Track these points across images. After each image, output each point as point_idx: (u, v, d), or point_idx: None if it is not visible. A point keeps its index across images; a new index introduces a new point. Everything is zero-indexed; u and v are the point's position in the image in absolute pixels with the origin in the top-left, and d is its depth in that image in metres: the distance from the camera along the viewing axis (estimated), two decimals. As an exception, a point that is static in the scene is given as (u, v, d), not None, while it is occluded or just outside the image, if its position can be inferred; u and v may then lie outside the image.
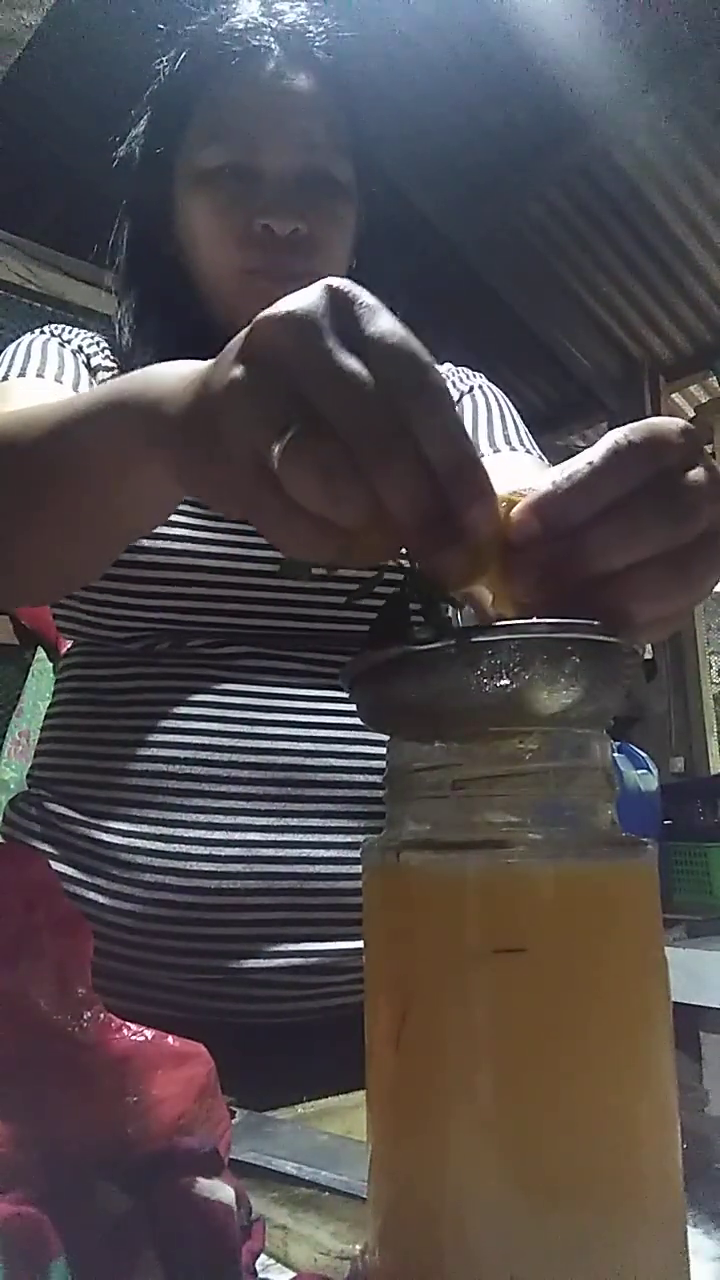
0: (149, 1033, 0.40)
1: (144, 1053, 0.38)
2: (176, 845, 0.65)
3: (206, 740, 0.67)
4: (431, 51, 2.52)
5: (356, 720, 0.69)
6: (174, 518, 0.71)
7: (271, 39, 0.71)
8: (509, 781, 0.31)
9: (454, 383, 0.89)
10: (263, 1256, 0.35)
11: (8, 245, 2.37)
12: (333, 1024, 0.65)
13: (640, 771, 2.11)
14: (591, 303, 3.60)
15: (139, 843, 0.66)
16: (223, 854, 0.65)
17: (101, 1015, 0.40)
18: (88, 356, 0.81)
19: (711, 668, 4.00)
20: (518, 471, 0.77)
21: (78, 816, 0.70)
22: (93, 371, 0.80)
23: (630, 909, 0.31)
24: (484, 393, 0.88)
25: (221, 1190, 0.33)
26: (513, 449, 0.80)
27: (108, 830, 0.68)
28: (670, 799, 2.19)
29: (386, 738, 0.74)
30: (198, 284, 0.76)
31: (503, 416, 0.85)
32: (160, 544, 0.70)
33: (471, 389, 0.88)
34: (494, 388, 0.90)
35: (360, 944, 0.65)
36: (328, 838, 0.67)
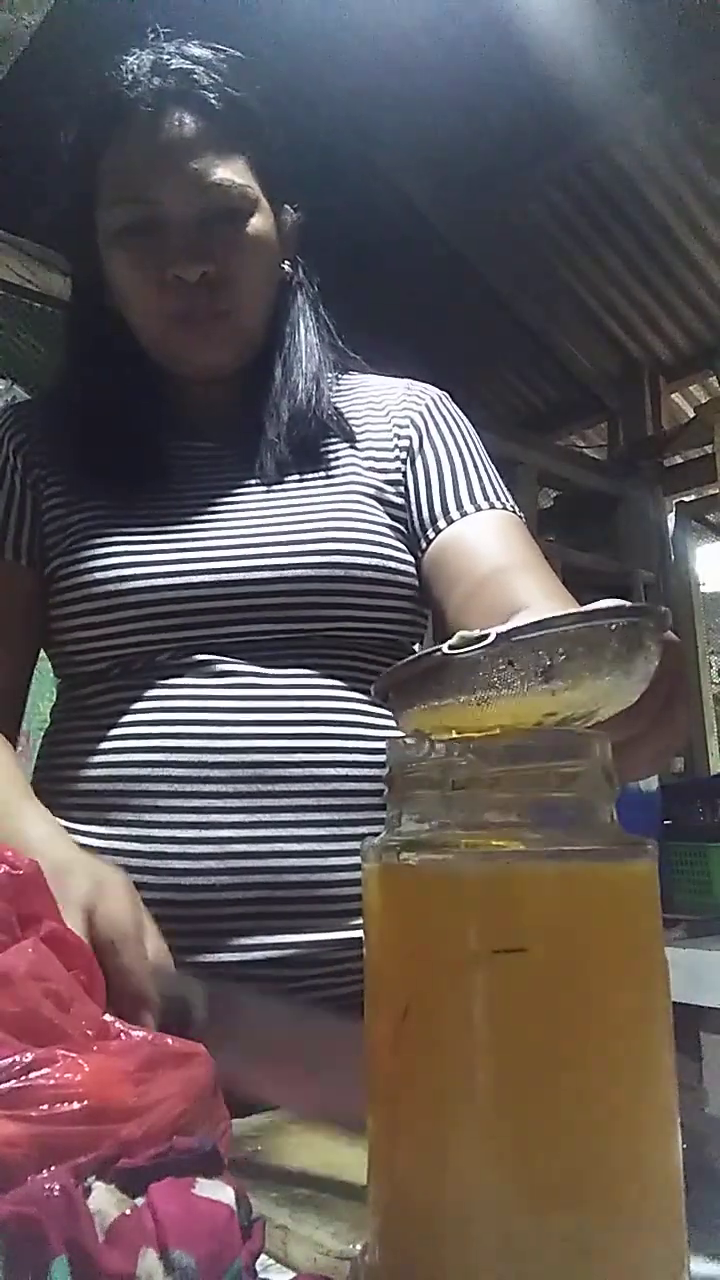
0: (149, 1033, 0.40)
1: (144, 1053, 0.38)
2: (153, 845, 0.68)
3: (177, 744, 0.70)
4: (432, 52, 2.52)
5: (324, 716, 0.71)
6: (122, 550, 0.75)
7: (152, 94, 0.74)
8: (509, 781, 0.31)
9: (408, 415, 0.85)
10: (263, 1256, 0.35)
11: (8, 245, 2.37)
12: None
13: (640, 771, 2.11)
14: (592, 303, 3.60)
15: (119, 844, 0.69)
16: (195, 851, 0.67)
17: (102, 1017, 0.40)
18: (21, 458, 0.83)
19: (711, 668, 4.00)
20: (489, 548, 0.77)
21: (66, 824, 0.72)
22: (26, 470, 0.83)
23: (630, 909, 0.31)
24: (440, 436, 0.84)
25: (221, 1190, 0.33)
26: (478, 507, 0.79)
27: (91, 835, 0.70)
28: (670, 799, 2.19)
29: (355, 733, 0.74)
30: (134, 331, 0.81)
31: (465, 468, 0.82)
32: (113, 573, 0.74)
33: (424, 435, 0.84)
34: (449, 414, 0.87)
35: (335, 935, 0.67)
36: (299, 831, 0.68)
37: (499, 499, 0.82)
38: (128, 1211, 0.31)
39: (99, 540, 0.76)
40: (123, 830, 0.69)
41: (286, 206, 0.84)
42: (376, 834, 0.69)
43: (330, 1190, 0.42)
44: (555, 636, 0.31)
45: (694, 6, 2.37)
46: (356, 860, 0.68)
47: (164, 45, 0.77)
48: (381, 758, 0.72)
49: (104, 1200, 0.31)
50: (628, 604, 0.33)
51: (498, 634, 0.31)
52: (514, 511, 0.82)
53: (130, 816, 0.69)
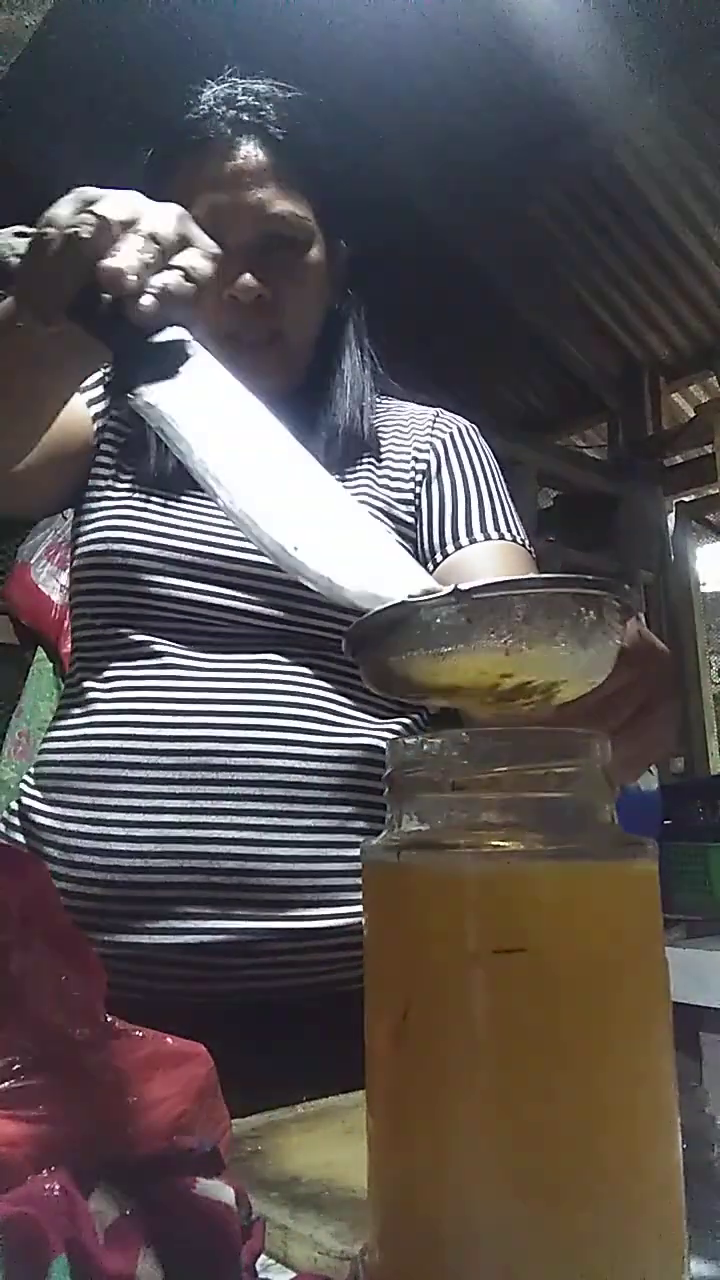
0: (148, 1033, 0.40)
1: (144, 1053, 0.38)
2: (100, 827, 0.70)
3: (132, 731, 0.72)
4: (432, 53, 2.52)
5: (271, 709, 0.73)
6: (113, 515, 0.79)
7: (225, 125, 0.80)
8: (509, 781, 0.31)
9: (430, 442, 0.89)
10: (263, 1256, 0.35)
11: (7, 245, 2.38)
12: (251, 1011, 0.67)
13: (640, 771, 2.11)
14: (592, 303, 3.60)
15: (71, 825, 0.71)
16: (139, 834, 0.69)
17: (102, 1017, 0.40)
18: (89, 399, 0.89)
19: (712, 668, 4.00)
20: (491, 576, 0.78)
21: (35, 805, 0.75)
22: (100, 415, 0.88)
23: (630, 909, 0.31)
24: (459, 462, 0.87)
25: (221, 1190, 0.33)
26: (487, 536, 0.82)
27: (49, 815, 0.73)
28: (670, 799, 2.18)
29: (311, 727, 0.75)
30: None
31: (480, 496, 0.85)
32: (99, 534, 0.79)
33: (443, 461, 0.87)
34: (471, 444, 0.90)
35: (269, 925, 0.68)
36: (238, 820, 0.69)
37: (509, 531, 0.84)
38: (128, 1211, 0.31)
39: (104, 503, 0.81)
40: (76, 812, 0.71)
41: (340, 242, 0.88)
42: (323, 826, 0.72)
43: (330, 1190, 0.42)
44: (515, 597, 0.32)
45: (694, 7, 2.37)
46: (298, 852, 0.71)
47: (237, 81, 0.83)
48: (338, 752, 0.75)
49: (104, 1200, 0.31)
50: (595, 578, 0.33)
51: (458, 588, 0.32)
52: (524, 545, 0.84)
53: (86, 799, 0.71)
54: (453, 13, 2.38)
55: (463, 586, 0.32)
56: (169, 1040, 0.40)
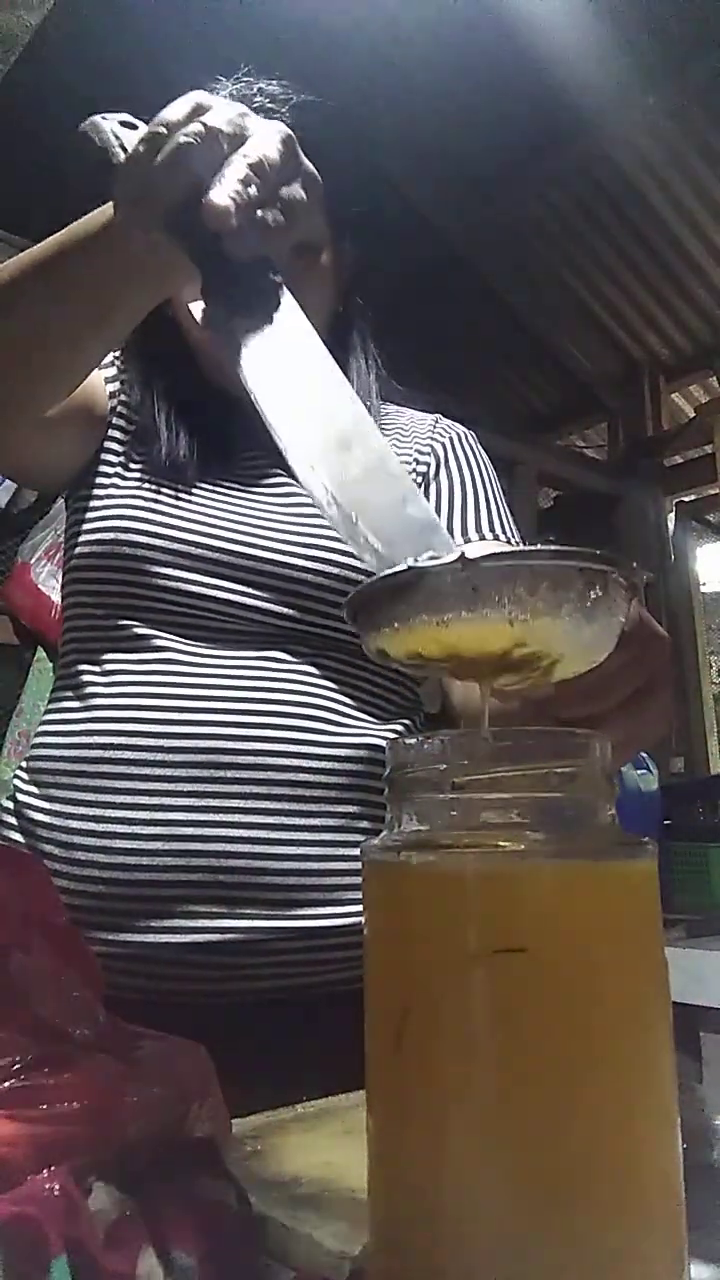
0: (148, 1033, 0.40)
1: (144, 1053, 0.38)
2: (105, 825, 0.69)
3: (135, 727, 0.72)
4: (431, 52, 2.52)
5: (279, 708, 0.73)
6: (124, 511, 0.78)
7: None
8: (509, 781, 0.31)
9: (431, 444, 0.91)
10: (263, 1256, 0.35)
11: (8, 245, 2.38)
12: (255, 1010, 0.67)
13: (640, 771, 2.11)
14: (591, 303, 3.60)
15: (72, 823, 0.70)
16: (144, 833, 0.68)
17: (101, 1017, 0.40)
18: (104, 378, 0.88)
19: (711, 668, 4.00)
20: None
21: (32, 801, 0.75)
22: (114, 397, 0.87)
23: (630, 909, 0.31)
24: (458, 465, 0.90)
25: (222, 1190, 0.33)
26: (482, 536, 0.84)
27: (47, 812, 0.72)
28: (670, 799, 2.18)
29: (317, 726, 0.75)
30: (192, 346, 0.84)
31: (476, 497, 0.87)
32: (109, 523, 0.77)
33: (442, 463, 0.90)
34: (471, 450, 0.93)
35: (277, 924, 0.68)
36: (245, 818, 0.69)
37: (504, 531, 0.85)
38: (128, 1212, 0.31)
39: (112, 491, 0.80)
40: (77, 809, 0.70)
41: (346, 246, 0.87)
42: (329, 825, 0.72)
43: (330, 1190, 0.42)
44: (521, 567, 0.32)
45: (693, 7, 2.37)
46: (305, 851, 0.70)
47: (251, 82, 0.81)
48: (345, 751, 0.74)
49: (104, 1200, 0.31)
50: (601, 552, 0.33)
51: (465, 556, 0.32)
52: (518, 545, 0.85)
53: (87, 796, 0.71)
54: (452, 13, 2.38)
55: (469, 554, 0.32)
56: (169, 1040, 0.40)
